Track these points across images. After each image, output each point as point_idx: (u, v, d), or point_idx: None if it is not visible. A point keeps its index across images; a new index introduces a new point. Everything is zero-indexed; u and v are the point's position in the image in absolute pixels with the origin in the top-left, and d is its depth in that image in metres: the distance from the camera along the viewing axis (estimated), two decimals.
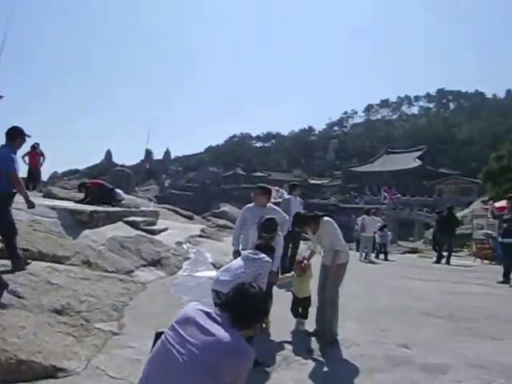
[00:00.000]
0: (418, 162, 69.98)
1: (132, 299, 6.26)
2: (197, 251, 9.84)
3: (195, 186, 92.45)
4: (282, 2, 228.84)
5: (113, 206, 10.58)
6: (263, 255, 4.33)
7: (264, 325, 5.16)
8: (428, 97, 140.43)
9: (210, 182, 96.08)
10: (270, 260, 4.35)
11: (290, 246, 8.54)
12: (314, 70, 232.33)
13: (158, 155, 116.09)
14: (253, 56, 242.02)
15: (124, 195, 11.74)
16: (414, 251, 20.43)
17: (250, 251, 4.51)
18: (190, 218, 14.91)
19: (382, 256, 14.50)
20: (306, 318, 5.19)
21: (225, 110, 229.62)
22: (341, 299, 4.92)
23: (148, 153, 21.89)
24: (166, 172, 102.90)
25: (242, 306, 2.24)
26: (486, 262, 15.98)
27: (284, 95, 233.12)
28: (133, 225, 9.80)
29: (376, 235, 14.64)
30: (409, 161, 72.08)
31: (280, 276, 5.38)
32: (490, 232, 17.72)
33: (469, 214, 29.39)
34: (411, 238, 47.48)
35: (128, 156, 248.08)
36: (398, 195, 35.18)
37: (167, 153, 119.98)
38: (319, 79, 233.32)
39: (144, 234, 9.57)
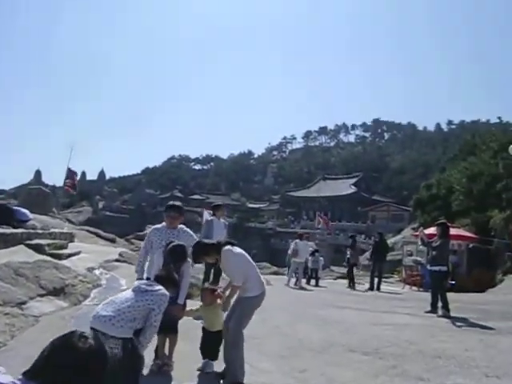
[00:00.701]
0: (353, 189, 71.93)
1: (13, 337, 5.25)
2: (110, 277, 8.85)
3: (130, 207, 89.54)
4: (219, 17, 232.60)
5: (14, 227, 9.34)
6: (159, 287, 3.58)
7: (165, 366, 4.40)
8: (364, 126, 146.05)
9: (146, 204, 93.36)
10: (167, 294, 3.60)
11: (212, 272, 7.83)
12: (253, 94, 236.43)
13: (92, 176, 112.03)
14: (192, 77, 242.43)
15: (30, 215, 10.48)
16: (345, 277, 20.27)
17: (144, 281, 3.76)
18: (112, 241, 13.80)
19: (313, 282, 14.10)
20: (215, 358, 4.44)
21: (163, 131, 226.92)
22: (263, 333, 4.34)
23: (70, 172, 20.14)
24: (100, 193, 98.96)
25: (58, 371, 1.39)
26: (414, 288, 16.06)
27: (223, 118, 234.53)
28: (36, 248, 8.68)
29: (308, 260, 14.26)
30: (344, 187, 73.95)
31: (187, 309, 4.63)
32: (418, 258, 17.95)
33: (400, 240, 30.10)
34: (344, 263, 48.33)
35: (59, 176, 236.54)
36: (331, 223, 35.60)
37: (101, 173, 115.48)
38: (259, 103, 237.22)
39: (49, 258, 8.46)
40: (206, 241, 4.62)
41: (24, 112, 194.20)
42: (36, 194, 15.05)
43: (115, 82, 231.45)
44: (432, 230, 15.90)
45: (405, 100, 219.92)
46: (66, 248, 10.42)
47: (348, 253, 14.41)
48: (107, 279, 8.63)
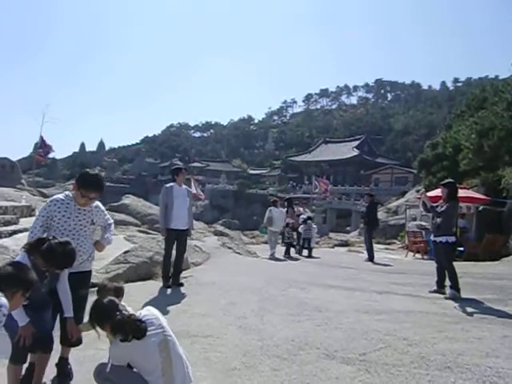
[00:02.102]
0: (355, 152, 70.27)
1: None
2: None
3: (131, 177, 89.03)
4: None
5: None
6: None
7: None
8: (366, 87, 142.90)
9: (146, 173, 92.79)
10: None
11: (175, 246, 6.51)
12: (253, 58, 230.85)
13: (91, 147, 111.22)
14: (188, 42, 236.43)
15: None
16: (344, 244, 19.00)
17: None
18: None
19: (306, 252, 12.71)
20: None
21: (162, 99, 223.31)
22: (219, 328, 3.00)
23: (42, 141, 18.41)
24: (100, 164, 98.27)
25: None
26: (418, 256, 14.75)
27: (223, 84, 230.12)
28: None
29: (299, 229, 12.87)
30: (346, 150, 72.31)
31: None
32: (423, 223, 16.57)
33: (403, 204, 28.74)
34: (348, 228, 47.24)
35: (61, 148, 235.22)
36: (329, 185, 33.97)
37: (101, 144, 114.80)
38: (259, 67, 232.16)
39: None
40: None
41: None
42: (1, 166, 13.61)
43: (114, 51, 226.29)
44: (437, 192, 14.46)
45: (408, 59, 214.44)
46: (16, 223, 9.06)
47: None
48: None
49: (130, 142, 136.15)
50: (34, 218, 10.29)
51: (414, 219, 17.45)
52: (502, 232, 15.07)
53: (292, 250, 12.53)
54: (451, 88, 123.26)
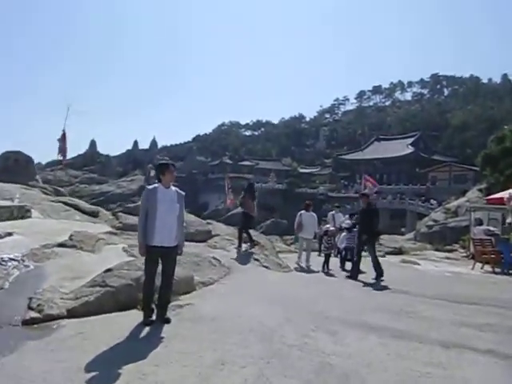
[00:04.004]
0: (410, 149, 66.85)
1: None
2: (27, 274, 6.05)
3: (182, 175, 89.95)
4: None
5: None
6: None
7: None
8: (421, 82, 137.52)
9: (197, 171, 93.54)
10: None
11: None
12: (304, 57, 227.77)
13: (144, 145, 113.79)
14: (238, 39, 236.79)
15: None
16: (397, 252, 16.70)
17: None
18: (94, 215, 11.12)
19: (349, 265, 10.72)
20: None
21: (214, 97, 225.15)
22: None
23: (63, 136, 17.83)
24: (152, 162, 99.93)
25: None
26: (488, 268, 12.37)
27: (274, 82, 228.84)
28: None
29: (338, 237, 10.95)
30: (401, 148, 68.87)
31: None
32: (491, 228, 14.08)
33: (463, 204, 25.87)
34: (403, 229, 44.29)
35: (114, 145, 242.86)
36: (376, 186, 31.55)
37: (153, 142, 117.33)
38: (310, 66, 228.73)
39: None
40: None
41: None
42: (14, 160, 12.60)
43: (165, 49, 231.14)
44: (503, 194, 12.04)
45: (466, 51, 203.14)
46: None
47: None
48: (17, 278, 5.83)
49: (181, 140, 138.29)
50: (32, 219, 9.08)
51: (480, 224, 14.90)
52: None
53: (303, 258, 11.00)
54: None
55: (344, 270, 10.45)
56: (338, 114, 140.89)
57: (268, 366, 3.69)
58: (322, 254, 11.39)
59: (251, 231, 10.75)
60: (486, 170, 23.87)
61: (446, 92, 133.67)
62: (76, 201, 11.78)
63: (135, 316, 4.92)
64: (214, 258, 8.50)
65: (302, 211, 11.09)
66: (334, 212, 13.38)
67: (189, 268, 7.28)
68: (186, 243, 9.45)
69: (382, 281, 8.71)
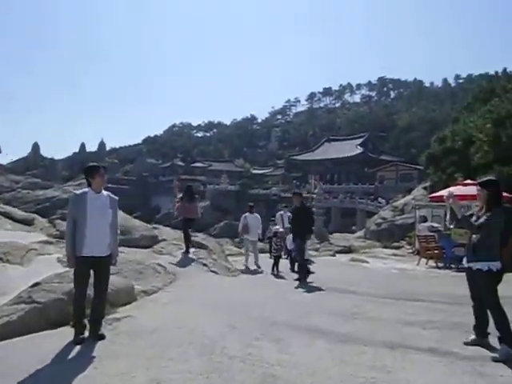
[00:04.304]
0: (359, 150, 68.65)
1: None
2: None
3: (132, 178, 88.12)
4: None
5: None
6: None
7: None
8: (369, 85, 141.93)
9: (147, 174, 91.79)
10: None
11: None
12: (257, 57, 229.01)
13: (91, 147, 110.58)
14: (190, 41, 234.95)
15: None
16: (347, 251, 16.90)
17: None
18: (28, 224, 10.41)
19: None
20: None
21: (164, 98, 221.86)
22: None
23: None
24: (101, 165, 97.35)
25: None
26: (432, 264, 12.73)
27: (225, 83, 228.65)
28: None
29: (287, 239, 10.87)
30: (350, 148, 70.58)
31: None
32: (435, 225, 14.53)
33: (410, 202, 26.67)
34: (354, 227, 45.27)
35: (60, 148, 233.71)
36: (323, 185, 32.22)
37: (102, 144, 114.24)
38: (261, 67, 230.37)
39: None
40: None
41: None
42: None
43: (116, 49, 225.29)
44: (460, 190, 12.36)
45: (410, 56, 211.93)
46: None
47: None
48: None
49: (131, 142, 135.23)
50: None
51: (425, 221, 15.35)
52: None
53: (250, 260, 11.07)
54: (453, 85, 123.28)
55: (294, 271, 10.35)
56: (289, 116, 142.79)
57: (207, 381, 3.44)
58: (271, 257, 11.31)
59: (200, 234, 10.52)
60: (430, 169, 24.75)
61: (392, 94, 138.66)
62: (8, 208, 10.94)
63: (67, 334, 4.51)
64: (159, 265, 8.17)
65: (247, 213, 11.27)
66: (282, 212, 13.27)
67: (130, 277, 6.91)
68: (128, 249, 9.10)
69: (306, 283, 8.49)
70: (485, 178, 4.53)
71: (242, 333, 4.78)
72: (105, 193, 4.71)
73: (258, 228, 11.18)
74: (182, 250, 9.75)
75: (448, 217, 4.59)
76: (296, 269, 10.33)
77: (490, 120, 16.81)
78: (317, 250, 16.30)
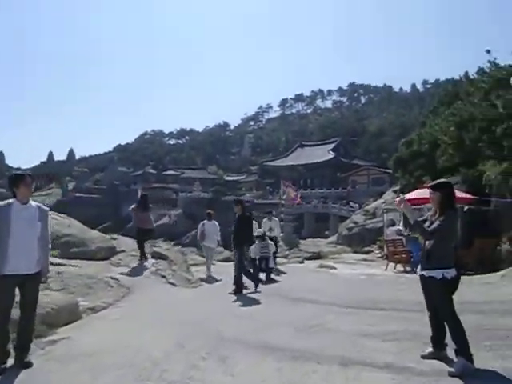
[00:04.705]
0: (331, 155, 69.15)
1: None
2: None
3: (102, 187, 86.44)
4: None
5: None
6: None
7: None
8: (340, 91, 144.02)
9: (119, 182, 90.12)
10: None
11: None
12: (228, 65, 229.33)
13: (60, 156, 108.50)
14: (161, 49, 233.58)
15: None
16: (316, 257, 16.67)
17: None
18: None
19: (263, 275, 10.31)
20: None
21: (136, 106, 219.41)
22: None
23: None
24: (70, 174, 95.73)
25: None
26: (400, 268, 12.63)
27: (197, 91, 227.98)
28: None
29: (253, 246, 10.55)
30: (322, 153, 71.05)
31: None
32: (402, 229, 14.48)
33: (380, 206, 26.80)
34: (327, 232, 45.36)
35: (26, 158, 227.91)
36: (298, 191, 31.85)
37: (71, 153, 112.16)
38: (233, 73, 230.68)
39: None
40: None
41: None
42: None
43: (85, 57, 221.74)
44: (417, 194, 12.29)
45: (379, 62, 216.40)
46: None
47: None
48: None
49: (102, 150, 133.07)
50: None
51: (393, 225, 15.26)
52: (490, 234, 13.12)
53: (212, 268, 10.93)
54: (421, 90, 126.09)
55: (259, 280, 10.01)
56: (262, 122, 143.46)
57: None
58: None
59: (163, 244, 10.13)
60: (398, 173, 24.88)
61: (362, 100, 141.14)
62: None
63: None
64: (113, 278, 7.74)
65: (205, 221, 11.18)
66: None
67: (78, 292, 6.48)
68: (83, 262, 8.62)
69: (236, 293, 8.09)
70: (437, 181, 4.29)
71: (189, 352, 4.43)
72: (33, 204, 4.30)
73: (217, 235, 11.07)
74: (139, 262, 9.35)
75: (401, 223, 4.37)
76: (264, 278, 9.99)
77: (453, 123, 16.95)
78: (286, 256, 16.04)
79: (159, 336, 5.02)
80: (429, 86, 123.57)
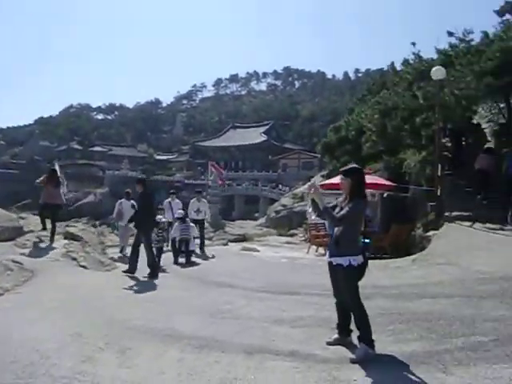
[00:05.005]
0: (263, 137, 69.64)
1: None
2: None
3: (21, 162, 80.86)
4: None
5: None
6: None
7: None
8: (275, 74, 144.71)
9: (40, 158, 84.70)
10: None
11: None
12: (161, 39, 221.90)
13: None
14: (95, 20, 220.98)
15: None
16: (241, 239, 16.67)
17: None
18: None
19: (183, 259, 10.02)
20: None
21: (60, 76, 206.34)
22: None
23: None
24: None
25: None
26: (321, 251, 12.90)
27: (128, 64, 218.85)
28: None
29: (173, 229, 10.22)
30: (255, 136, 71.37)
31: None
32: (310, 213, 14.79)
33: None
34: (257, 214, 45.82)
35: None
36: (223, 173, 31.66)
37: None
38: (167, 49, 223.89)
39: None
40: None
41: None
42: None
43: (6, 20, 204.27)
44: (337, 180, 12.54)
45: (314, 48, 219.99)
46: None
47: None
48: None
49: (21, 122, 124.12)
50: None
51: None
52: (407, 220, 13.77)
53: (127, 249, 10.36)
54: (353, 78, 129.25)
55: (177, 263, 9.73)
56: (195, 101, 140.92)
57: None
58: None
59: (79, 224, 9.55)
60: (326, 158, 25.47)
61: (296, 84, 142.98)
62: None
63: None
64: (14, 261, 7.10)
65: (123, 199, 11.27)
66: (170, 199, 12.57)
67: None
68: None
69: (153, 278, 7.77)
70: (348, 166, 4.25)
71: (86, 343, 4.11)
72: None
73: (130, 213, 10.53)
74: (47, 244, 8.70)
75: (310, 209, 4.29)
76: (184, 260, 9.71)
77: (378, 111, 17.48)
78: (210, 238, 15.84)
79: (57, 325, 4.63)
80: (360, 74, 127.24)
